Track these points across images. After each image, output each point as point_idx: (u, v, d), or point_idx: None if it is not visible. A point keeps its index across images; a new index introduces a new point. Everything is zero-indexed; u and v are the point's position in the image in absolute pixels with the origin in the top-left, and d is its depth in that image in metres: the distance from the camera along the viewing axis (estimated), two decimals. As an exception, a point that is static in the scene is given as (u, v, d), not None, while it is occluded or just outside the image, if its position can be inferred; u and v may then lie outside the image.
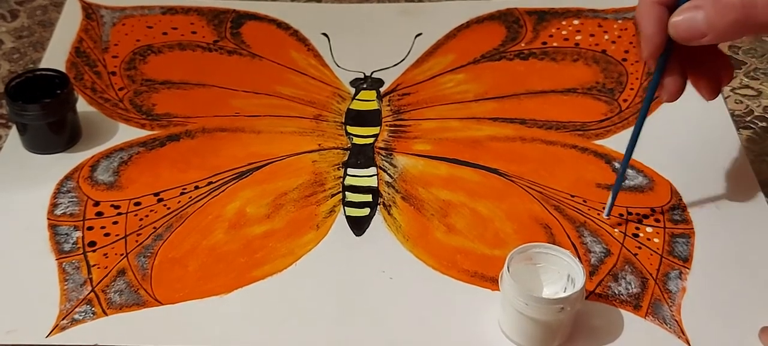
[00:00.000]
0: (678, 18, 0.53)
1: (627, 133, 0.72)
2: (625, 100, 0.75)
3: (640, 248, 0.62)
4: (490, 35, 0.83)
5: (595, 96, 0.76)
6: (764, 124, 0.73)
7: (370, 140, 0.72)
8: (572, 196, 0.66)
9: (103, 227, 0.64)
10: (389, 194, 0.67)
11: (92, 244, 0.63)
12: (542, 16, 0.85)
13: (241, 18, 0.85)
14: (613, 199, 0.64)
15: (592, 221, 0.64)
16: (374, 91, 0.77)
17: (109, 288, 0.59)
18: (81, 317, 0.57)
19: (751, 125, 0.73)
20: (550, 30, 0.83)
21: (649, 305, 0.58)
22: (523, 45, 0.82)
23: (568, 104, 0.75)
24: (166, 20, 0.84)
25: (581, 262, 0.56)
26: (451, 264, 0.61)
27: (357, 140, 0.72)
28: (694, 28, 0.52)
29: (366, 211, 0.65)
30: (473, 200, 0.66)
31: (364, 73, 0.79)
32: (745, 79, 0.78)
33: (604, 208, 0.64)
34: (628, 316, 0.58)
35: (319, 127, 0.73)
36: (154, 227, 0.64)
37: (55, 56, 0.80)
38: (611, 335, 0.57)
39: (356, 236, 0.64)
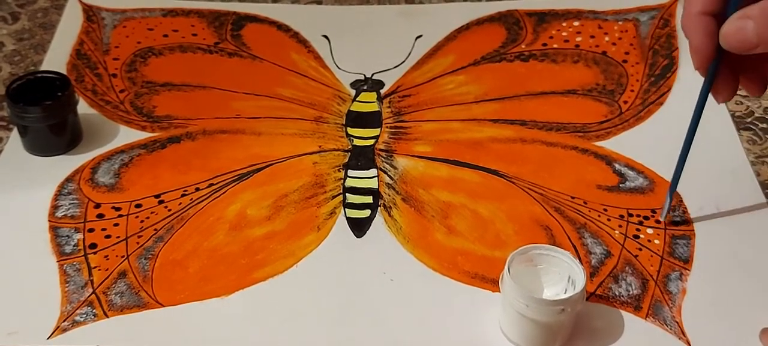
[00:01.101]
0: (728, 28, 0.52)
1: (627, 134, 0.72)
2: (625, 102, 0.75)
3: (640, 249, 0.62)
4: (490, 37, 0.83)
5: (595, 97, 0.76)
6: (764, 125, 0.73)
7: (371, 142, 0.72)
8: (573, 197, 0.66)
9: (104, 229, 0.64)
10: (390, 195, 0.67)
11: (93, 246, 0.63)
12: (542, 17, 0.85)
13: (241, 20, 0.85)
14: (670, 202, 0.63)
15: (592, 222, 0.64)
16: (374, 93, 0.77)
17: (110, 290, 0.59)
18: (82, 319, 0.58)
19: (752, 126, 0.73)
20: (550, 31, 0.83)
21: (649, 307, 0.58)
22: (523, 46, 0.82)
23: (569, 106, 0.75)
24: (167, 22, 0.84)
25: (582, 263, 0.56)
26: (451, 265, 0.61)
27: (357, 142, 0.72)
28: (744, 39, 0.51)
29: (366, 212, 0.65)
30: (474, 202, 0.66)
31: (364, 75, 0.79)
32: (746, 81, 0.78)
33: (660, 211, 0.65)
34: (628, 317, 0.58)
35: (320, 128, 0.73)
36: (155, 229, 0.64)
37: (56, 58, 0.80)
38: (612, 336, 0.57)
39: (357, 237, 0.64)
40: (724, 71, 0.57)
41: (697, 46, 0.55)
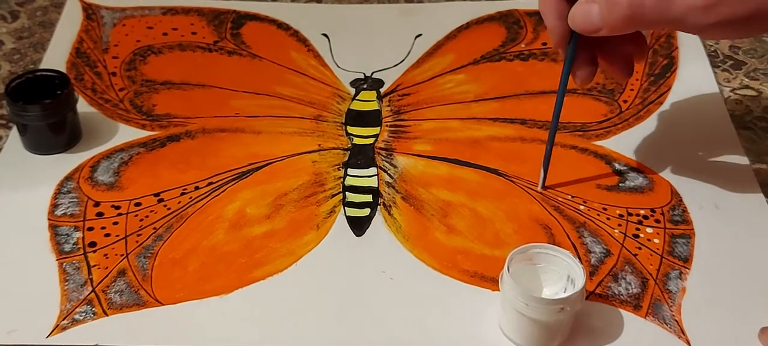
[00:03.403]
0: (576, 11, 0.56)
1: (627, 134, 0.72)
2: (625, 101, 0.75)
3: (640, 248, 0.62)
4: (490, 36, 0.83)
5: (595, 97, 0.76)
6: (764, 124, 0.73)
7: (371, 141, 0.72)
8: (572, 196, 0.66)
9: (103, 228, 0.64)
10: (389, 194, 0.67)
11: (92, 244, 0.63)
12: (542, 16, 0.85)
13: (241, 18, 0.85)
14: (545, 172, 0.66)
15: (591, 221, 0.64)
16: (374, 92, 0.77)
17: (109, 288, 0.59)
18: (81, 318, 0.58)
19: (751, 125, 0.73)
20: (550, 30, 0.83)
21: (649, 306, 0.58)
22: (523, 46, 0.82)
23: (568, 105, 0.74)
24: (167, 21, 0.84)
25: (581, 262, 0.56)
26: (451, 264, 0.61)
27: (357, 141, 0.72)
28: (589, 22, 0.55)
29: (366, 211, 0.65)
30: (473, 201, 0.66)
31: (364, 74, 0.79)
32: (745, 80, 0.78)
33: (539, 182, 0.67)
34: (628, 316, 0.58)
35: (320, 127, 0.73)
36: (155, 228, 0.64)
37: (56, 57, 0.80)
38: (611, 335, 0.57)
39: (356, 236, 0.64)
40: (583, 54, 0.60)
41: (550, 26, 0.59)
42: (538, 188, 0.66)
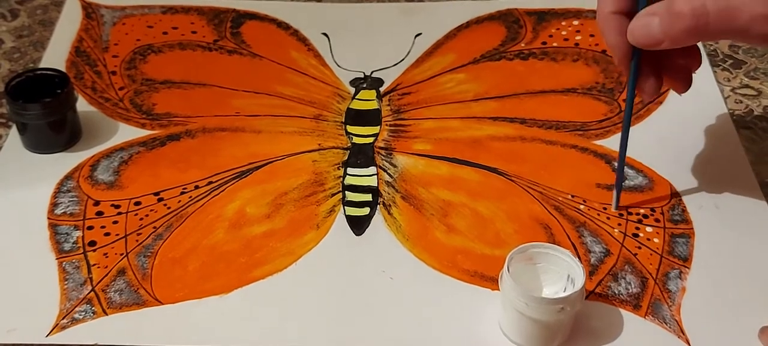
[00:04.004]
0: (635, 24, 0.55)
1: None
2: (624, 101, 0.75)
3: (639, 247, 0.62)
4: (490, 35, 0.83)
5: (595, 96, 0.76)
6: (764, 124, 0.73)
7: (370, 140, 0.72)
8: (572, 196, 0.66)
9: (103, 227, 0.64)
10: (389, 193, 0.67)
11: (92, 243, 0.63)
12: (542, 16, 0.85)
13: (241, 17, 0.85)
14: (618, 193, 0.65)
15: (591, 221, 0.64)
16: (374, 91, 0.77)
17: (109, 288, 0.59)
18: (81, 317, 0.58)
19: (751, 125, 0.73)
20: (550, 30, 0.83)
21: (648, 305, 0.58)
22: (523, 45, 0.82)
23: (568, 104, 0.75)
24: (167, 20, 0.84)
25: (581, 262, 0.56)
26: (451, 264, 0.61)
27: (357, 140, 0.72)
28: (650, 35, 0.54)
29: (366, 210, 0.65)
30: (473, 200, 0.66)
31: (364, 73, 0.79)
32: (745, 79, 0.78)
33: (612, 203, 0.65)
34: (627, 316, 0.58)
35: (319, 126, 0.73)
36: (154, 227, 0.64)
37: (56, 55, 0.80)
38: (611, 334, 0.57)
39: (356, 235, 0.64)
40: (646, 69, 0.59)
41: (611, 44, 0.57)
42: (613, 209, 0.65)
